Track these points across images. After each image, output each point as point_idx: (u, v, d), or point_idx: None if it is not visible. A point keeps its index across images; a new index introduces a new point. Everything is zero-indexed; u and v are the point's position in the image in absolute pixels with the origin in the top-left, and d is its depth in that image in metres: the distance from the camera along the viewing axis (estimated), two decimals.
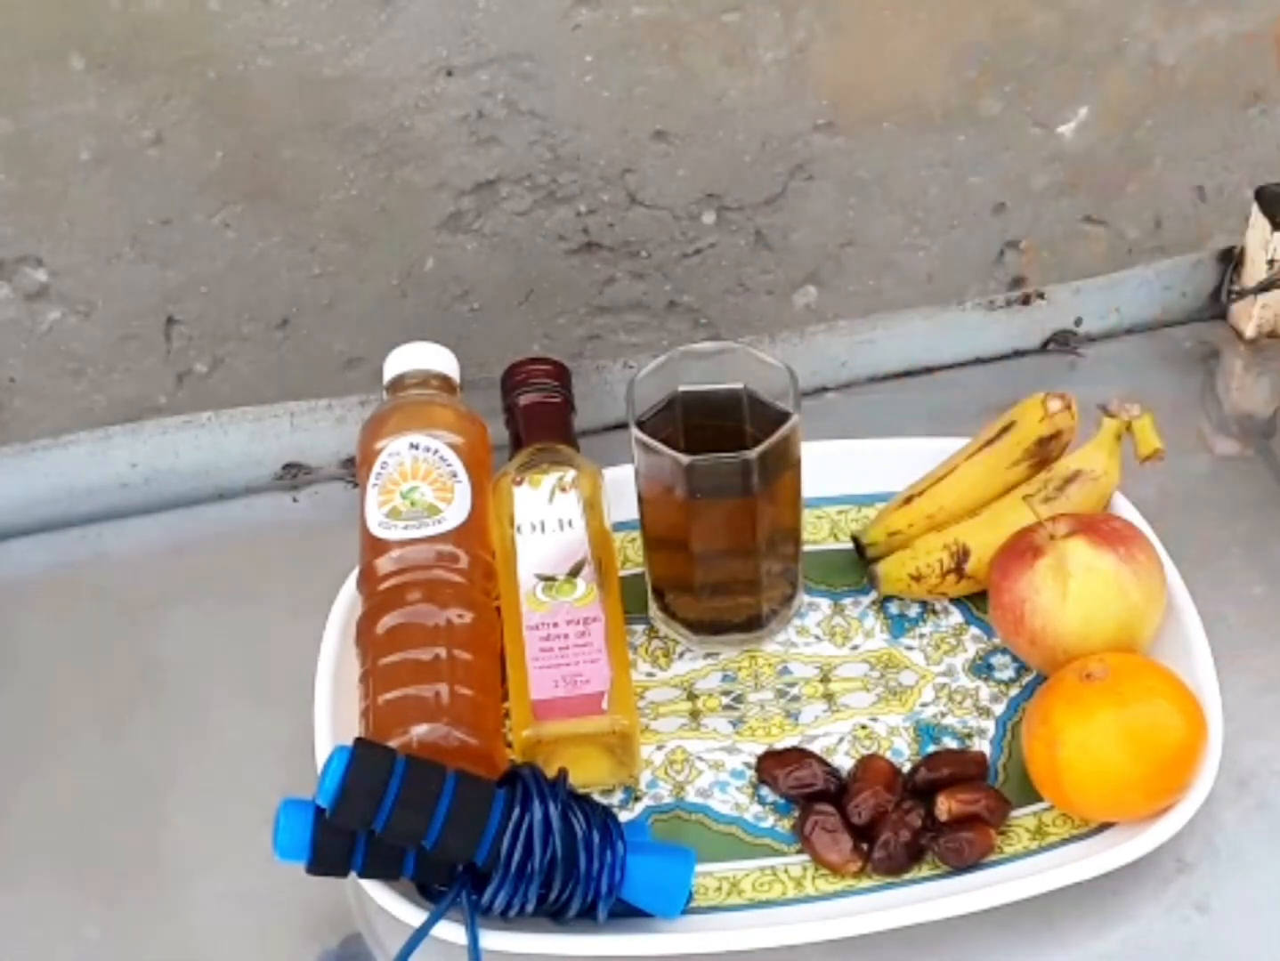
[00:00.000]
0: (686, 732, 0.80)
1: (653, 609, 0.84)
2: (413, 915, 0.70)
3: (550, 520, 0.80)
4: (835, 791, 0.76)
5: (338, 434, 0.95)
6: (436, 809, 0.67)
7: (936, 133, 0.91)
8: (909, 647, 0.83)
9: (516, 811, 0.68)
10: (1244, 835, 0.75)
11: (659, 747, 0.79)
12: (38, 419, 0.92)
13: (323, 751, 0.75)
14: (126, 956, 0.75)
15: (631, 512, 0.82)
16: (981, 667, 0.82)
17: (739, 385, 0.80)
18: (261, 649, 0.86)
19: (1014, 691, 0.81)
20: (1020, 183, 0.94)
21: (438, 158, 0.86)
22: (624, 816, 0.76)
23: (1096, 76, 0.91)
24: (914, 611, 0.84)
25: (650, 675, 0.83)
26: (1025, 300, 1.00)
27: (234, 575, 0.91)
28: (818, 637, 0.84)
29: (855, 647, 0.83)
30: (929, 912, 0.71)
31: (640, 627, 0.84)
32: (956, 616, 0.84)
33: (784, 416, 0.77)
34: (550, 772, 0.71)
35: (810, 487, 0.82)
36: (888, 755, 0.78)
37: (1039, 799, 0.75)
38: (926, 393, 1.00)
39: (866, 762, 0.77)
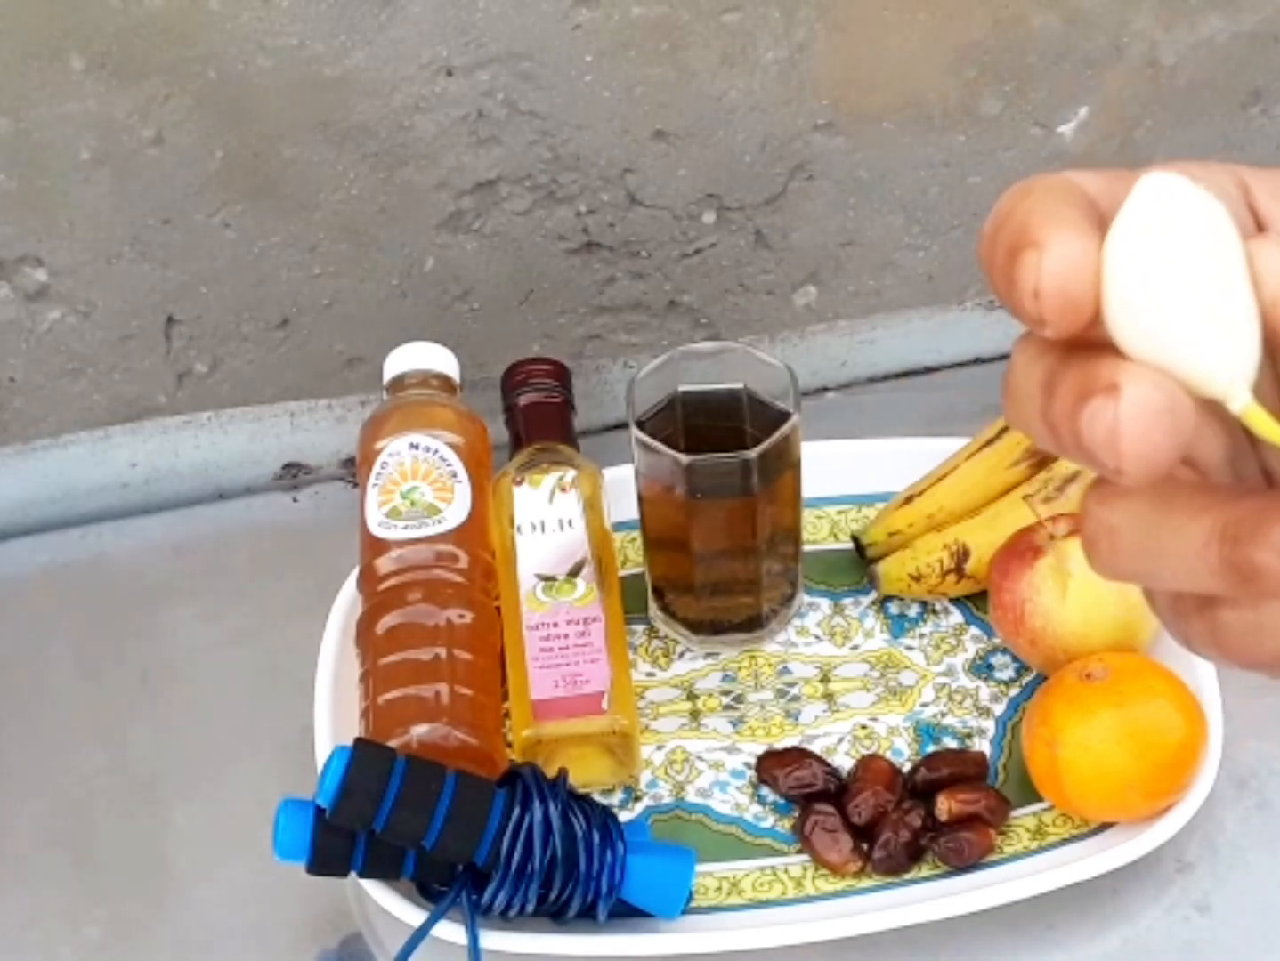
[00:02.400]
0: (686, 732, 0.80)
1: (653, 609, 0.84)
2: (413, 915, 0.70)
3: (550, 520, 0.80)
4: (835, 791, 0.76)
5: (338, 434, 0.95)
6: (436, 809, 0.67)
7: (936, 133, 0.91)
8: (909, 647, 0.83)
9: (516, 811, 0.68)
10: (1244, 835, 0.75)
11: (659, 747, 0.79)
12: (38, 419, 0.92)
13: (323, 751, 0.75)
14: (126, 956, 0.75)
15: (631, 512, 0.82)
16: (981, 667, 0.82)
17: (739, 385, 0.80)
18: (261, 649, 0.86)
19: (1014, 691, 0.81)
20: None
21: (438, 157, 0.86)
22: (624, 816, 0.76)
23: (1096, 76, 0.91)
24: (914, 611, 0.84)
25: (650, 675, 0.83)
26: None
27: (234, 575, 0.91)
28: (818, 637, 0.84)
29: (855, 647, 0.83)
30: (929, 912, 0.71)
31: (640, 627, 0.84)
32: (956, 616, 0.84)
33: (784, 416, 0.77)
34: (550, 772, 0.71)
35: (810, 488, 0.82)
36: (888, 755, 0.78)
37: (1039, 799, 0.75)
38: (926, 393, 1.00)
39: (866, 762, 0.77)
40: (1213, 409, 0.31)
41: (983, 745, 0.79)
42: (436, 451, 0.82)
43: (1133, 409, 0.28)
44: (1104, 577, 0.32)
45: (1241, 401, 0.30)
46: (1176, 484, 0.31)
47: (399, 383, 0.87)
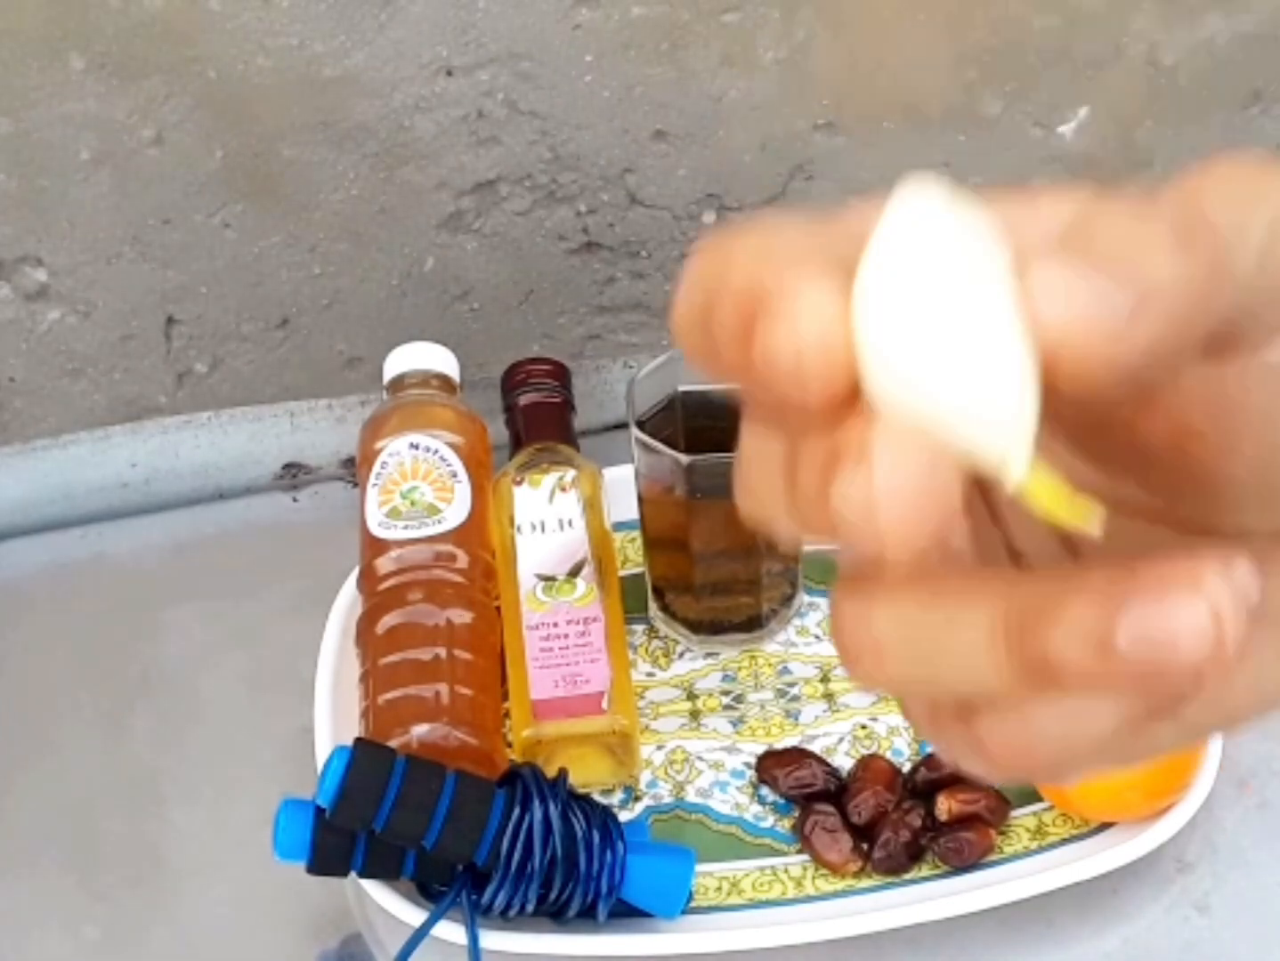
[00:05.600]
0: (686, 732, 0.80)
1: (653, 609, 0.84)
2: (413, 915, 0.70)
3: (550, 520, 0.80)
4: (835, 791, 0.76)
5: (338, 434, 0.95)
6: (436, 809, 0.67)
7: (937, 132, 0.91)
8: None
9: (516, 811, 0.68)
10: (1244, 835, 0.75)
11: (659, 747, 0.79)
12: (38, 419, 0.92)
13: (323, 751, 0.75)
14: (126, 956, 0.75)
15: (631, 512, 0.82)
16: None
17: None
18: (261, 649, 0.86)
19: None
20: (1020, 183, 0.94)
21: (438, 157, 0.86)
22: (624, 816, 0.76)
23: (1096, 76, 0.91)
24: None
25: (650, 675, 0.83)
26: None
27: (234, 575, 0.91)
28: (818, 637, 0.84)
29: None
30: (929, 912, 0.70)
31: (640, 627, 0.84)
32: None
33: None
34: (550, 772, 0.71)
35: None
36: (888, 755, 0.78)
37: (1039, 798, 0.75)
38: None
39: (866, 762, 0.77)
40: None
41: None
42: (436, 451, 0.82)
43: (887, 476, 0.24)
44: (870, 690, 0.29)
45: (1017, 476, 0.25)
46: (943, 574, 0.27)
47: (399, 382, 0.87)
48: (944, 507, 0.24)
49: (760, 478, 0.27)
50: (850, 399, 0.25)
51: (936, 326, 0.24)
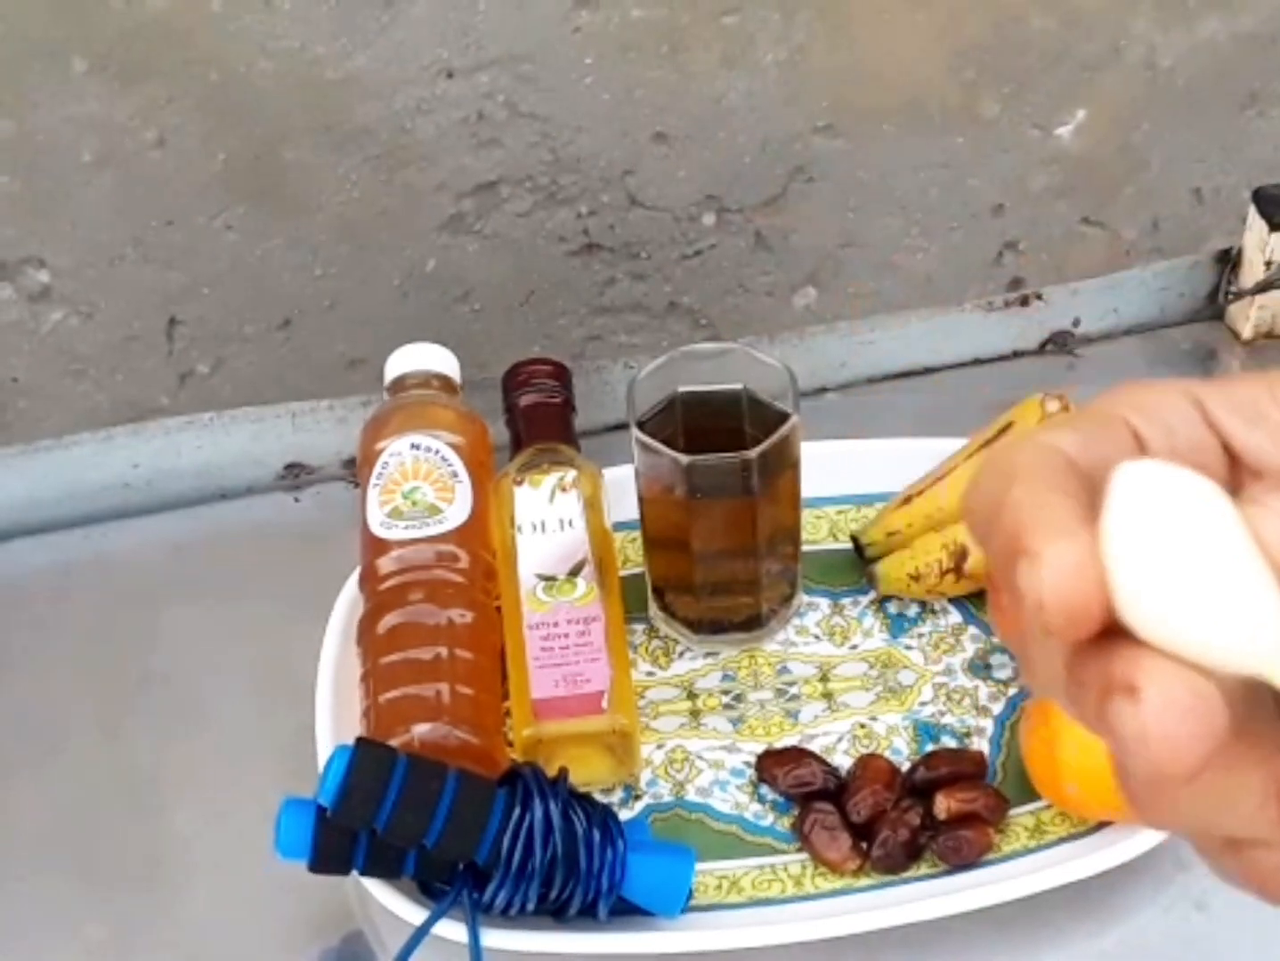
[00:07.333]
0: (686, 732, 0.80)
1: (653, 609, 0.85)
2: (414, 913, 0.70)
3: (550, 520, 0.80)
4: (834, 790, 0.76)
5: (339, 434, 0.96)
6: (437, 808, 0.67)
7: (936, 134, 0.91)
8: (908, 647, 0.83)
9: (517, 810, 0.69)
10: None
11: (659, 746, 0.80)
12: (40, 419, 0.92)
13: (324, 751, 0.75)
14: (127, 956, 0.75)
15: (631, 512, 0.83)
16: (980, 667, 0.82)
17: (738, 386, 0.81)
18: (262, 649, 0.86)
19: (1012, 690, 0.81)
20: (1019, 184, 0.95)
21: (439, 159, 0.86)
22: (624, 815, 0.76)
23: (1095, 78, 0.91)
24: (913, 611, 0.85)
25: (650, 674, 0.83)
26: (1024, 301, 1.00)
27: (235, 575, 0.91)
28: (817, 637, 0.84)
29: (854, 647, 0.83)
30: (927, 911, 0.71)
31: (640, 627, 0.85)
32: (955, 616, 0.84)
33: (784, 417, 0.77)
34: (551, 771, 0.72)
35: (810, 488, 0.82)
36: (887, 754, 0.78)
37: (1037, 797, 0.75)
38: (926, 393, 1.00)
39: (865, 761, 0.77)
40: None
41: (981, 744, 0.79)
42: (437, 451, 0.83)
43: (1156, 712, 0.28)
44: (1156, 829, 0.33)
45: None
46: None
47: (400, 383, 0.87)
48: (1210, 732, 0.28)
49: (1044, 668, 0.30)
50: (1104, 628, 0.29)
51: (1183, 566, 0.28)
